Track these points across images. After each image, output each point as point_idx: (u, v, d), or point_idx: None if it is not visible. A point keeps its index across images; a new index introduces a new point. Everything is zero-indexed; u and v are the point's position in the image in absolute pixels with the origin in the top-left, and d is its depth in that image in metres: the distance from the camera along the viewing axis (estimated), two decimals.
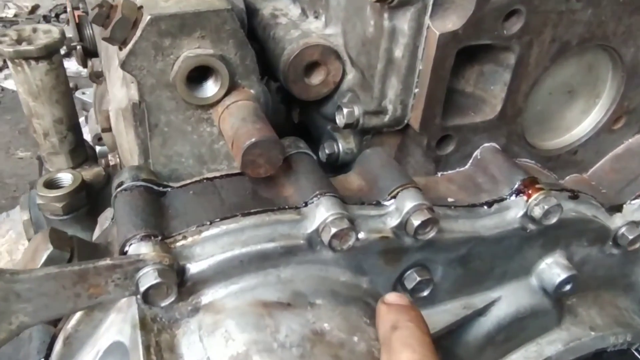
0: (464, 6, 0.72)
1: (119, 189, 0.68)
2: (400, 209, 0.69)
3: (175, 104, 0.72)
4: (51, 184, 0.91)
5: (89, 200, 0.93)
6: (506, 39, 0.76)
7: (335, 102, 0.88)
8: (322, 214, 0.65)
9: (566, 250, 0.86)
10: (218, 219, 0.63)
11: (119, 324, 0.61)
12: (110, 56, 0.88)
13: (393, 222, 0.69)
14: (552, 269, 0.84)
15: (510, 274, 0.84)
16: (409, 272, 0.75)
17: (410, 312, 0.60)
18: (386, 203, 0.71)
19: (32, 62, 0.88)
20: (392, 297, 0.62)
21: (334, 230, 0.63)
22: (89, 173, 0.97)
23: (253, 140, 0.65)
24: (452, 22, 0.73)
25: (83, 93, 1.98)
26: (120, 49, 0.69)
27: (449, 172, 0.87)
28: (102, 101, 1.18)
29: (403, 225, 0.69)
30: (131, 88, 0.74)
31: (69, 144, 0.98)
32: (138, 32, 0.66)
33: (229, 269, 0.62)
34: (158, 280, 0.57)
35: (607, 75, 0.90)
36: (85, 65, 1.17)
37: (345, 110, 0.84)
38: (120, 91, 0.79)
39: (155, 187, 0.69)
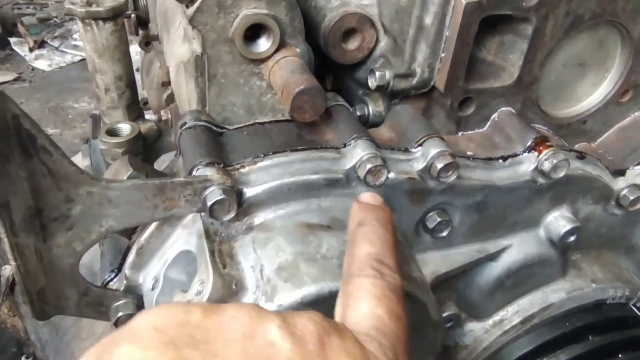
0: None
1: (183, 128, 0.79)
2: (426, 154, 0.80)
3: (232, 58, 0.83)
4: (112, 133, 1.02)
5: (144, 150, 1.05)
6: (525, 10, 0.85)
7: (368, 67, 0.98)
8: (358, 153, 0.76)
9: (572, 206, 0.95)
10: (269, 153, 0.74)
11: (185, 237, 0.72)
12: (170, 19, 0.98)
13: (419, 165, 0.80)
14: (559, 220, 0.93)
15: (521, 224, 0.94)
16: (430, 213, 0.85)
17: (378, 211, 0.64)
18: (413, 150, 0.81)
19: (100, 23, 0.99)
20: (365, 196, 0.66)
21: (369, 166, 0.74)
22: (144, 126, 1.09)
23: (302, 87, 0.76)
24: None
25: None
26: (187, 7, 0.80)
27: (469, 132, 0.96)
28: (150, 67, 1.30)
29: (428, 169, 0.79)
30: (193, 43, 0.85)
31: (126, 99, 1.10)
32: None
33: (278, 195, 0.73)
34: (222, 196, 0.68)
35: (616, 51, 0.99)
36: (137, 34, 1.28)
37: (377, 74, 0.94)
38: (181, 47, 0.89)
39: (214, 128, 0.80)
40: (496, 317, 1.01)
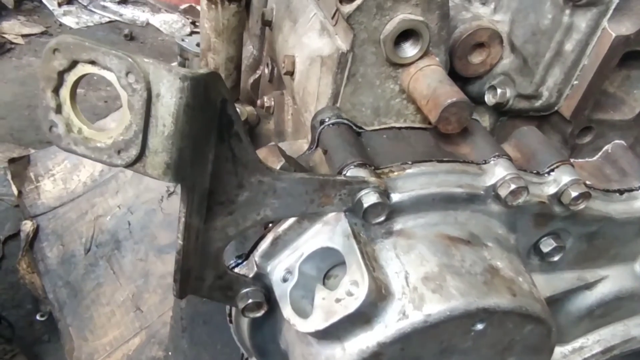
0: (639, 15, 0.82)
1: (325, 123, 0.78)
2: (558, 180, 0.80)
3: (375, 59, 0.83)
4: None
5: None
6: None
7: (484, 82, 0.98)
8: (500, 172, 0.76)
9: None
10: (417, 161, 0.74)
11: (327, 234, 0.72)
12: (298, 8, 0.98)
13: (550, 190, 0.80)
14: None
15: (620, 257, 0.95)
16: (545, 237, 0.86)
17: None
18: (545, 174, 0.81)
19: (226, 2, 0.98)
20: None
21: (513, 187, 0.74)
22: (245, 111, 1.08)
23: (454, 99, 0.76)
24: (626, 27, 0.83)
25: (182, 40, 2.08)
26: (341, 2, 0.80)
27: (579, 160, 0.97)
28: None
29: (558, 195, 0.80)
30: (337, 39, 0.84)
31: (232, 81, 1.09)
32: None
33: (421, 204, 0.74)
34: (378, 200, 0.68)
35: None
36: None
37: (499, 91, 0.94)
38: (318, 40, 0.89)
39: (354, 127, 0.80)
40: (576, 344, 1.03)
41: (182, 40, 2.12)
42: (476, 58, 0.96)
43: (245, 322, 0.82)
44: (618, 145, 0.96)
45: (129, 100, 0.49)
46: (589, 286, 0.95)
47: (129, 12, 5.19)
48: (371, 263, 0.68)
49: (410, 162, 0.74)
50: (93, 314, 2.33)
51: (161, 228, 2.55)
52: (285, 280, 0.74)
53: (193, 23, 4.62)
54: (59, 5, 5.28)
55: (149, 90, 0.49)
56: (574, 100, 0.90)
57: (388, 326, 0.66)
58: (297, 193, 0.66)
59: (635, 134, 0.97)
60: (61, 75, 0.51)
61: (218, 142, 0.57)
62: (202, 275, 0.70)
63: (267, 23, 1.09)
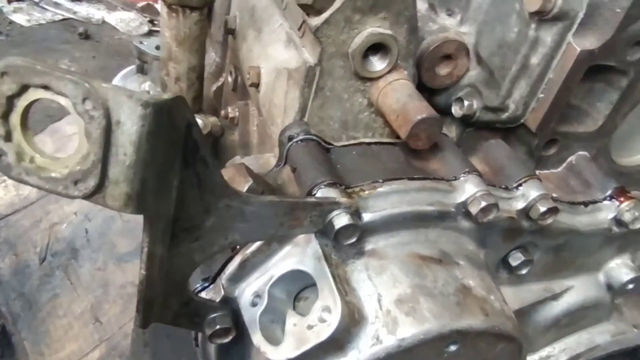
0: (604, 30, 0.83)
1: (294, 140, 0.76)
2: (527, 195, 0.80)
3: (343, 73, 0.81)
4: None
5: (210, 147, 1.01)
6: (627, 63, 0.87)
7: (450, 94, 0.98)
8: (470, 188, 0.75)
9: (632, 255, 0.99)
10: (388, 179, 0.73)
11: (297, 256, 0.70)
12: (262, 18, 0.95)
13: (519, 205, 0.80)
14: (621, 268, 0.97)
15: (585, 267, 0.96)
16: (514, 251, 0.86)
17: None
18: (513, 189, 0.81)
19: (187, 11, 0.95)
20: None
21: (483, 204, 0.74)
22: (208, 122, 1.05)
23: (424, 116, 0.75)
24: (590, 42, 0.84)
25: (141, 43, 2.02)
26: (308, 15, 0.78)
27: (545, 171, 0.98)
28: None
29: (527, 210, 0.80)
30: (304, 52, 0.82)
31: (195, 91, 1.05)
32: (337, 4, 0.75)
33: (392, 223, 0.72)
34: (350, 222, 0.66)
35: None
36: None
37: (466, 103, 0.94)
38: (284, 52, 0.87)
39: (323, 143, 0.78)
40: (543, 353, 1.04)
41: (141, 42, 2.05)
42: (443, 70, 0.96)
43: (212, 348, 0.78)
44: (581, 156, 0.97)
45: (86, 128, 0.46)
46: (555, 297, 0.96)
47: (83, 10, 5.02)
48: (343, 286, 0.66)
49: (381, 180, 0.72)
50: (49, 327, 2.24)
51: (120, 236, 2.47)
52: (254, 304, 0.71)
53: (151, 21, 4.51)
54: (9, 2, 5.06)
55: (108, 118, 0.46)
56: (539, 112, 0.90)
57: (362, 352, 0.64)
58: (266, 216, 0.63)
59: (597, 145, 0.98)
60: (10, 100, 0.47)
61: (183, 168, 0.54)
62: (167, 303, 0.67)
63: (230, 31, 1.06)
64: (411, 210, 0.72)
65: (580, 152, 0.98)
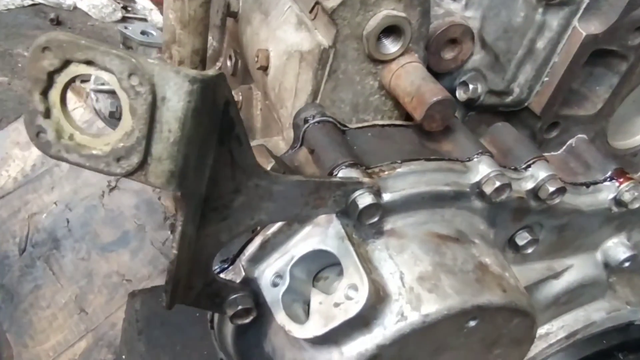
0: (608, 15, 0.85)
1: (311, 122, 0.76)
2: (536, 176, 0.82)
3: (357, 55, 0.82)
4: None
5: None
6: (627, 48, 0.90)
7: (454, 78, 0.99)
8: (484, 169, 0.77)
9: (628, 233, 1.02)
10: (406, 160, 0.74)
11: (318, 236, 0.70)
12: (270, 2, 0.94)
13: (528, 186, 0.82)
14: (618, 247, 1.00)
15: (584, 246, 0.99)
16: (520, 231, 0.88)
17: None
18: (522, 170, 0.83)
19: None
20: None
21: (497, 183, 0.75)
22: None
23: (439, 97, 0.76)
24: (594, 26, 0.86)
25: (126, 28, 1.98)
26: None
27: (546, 154, 1.00)
28: None
29: (536, 190, 0.82)
30: (317, 35, 0.82)
31: None
32: None
33: (410, 203, 0.73)
34: (373, 201, 0.67)
35: None
36: None
37: (470, 86, 0.96)
38: (295, 35, 0.87)
39: (338, 125, 0.78)
40: (542, 330, 1.07)
41: (125, 28, 2.02)
42: (448, 54, 0.97)
43: (229, 328, 0.79)
44: (581, 139, 1.00)
45: (131, 104, 0.46)
46: (556, 275, 0.99)
47: None
48: (367, 265, 0.67)
49: (399, 161, 0.73)
50: (32, 318, 2.20)
51: (103, 225, 2.44)
52: (275, 284, 0.72)
53: (125, 8, 4.41)
54: None
55: (153, 94, 0.45)
56: (544, 96, 0.92)
57: (387, 328, 0.65)
58: (293, 196, 0.64)
59: (596, 128, 1.01)
60: (51, 76, 0.46)
61: (218, 146, 0.54)
62: (191, 283, 0.67)
63: (232, 14, 1.05)
64: (429, 190, 0.73)
65: (580, 135, 1.01)
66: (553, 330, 1.06)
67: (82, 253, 2.34)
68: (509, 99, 0.96)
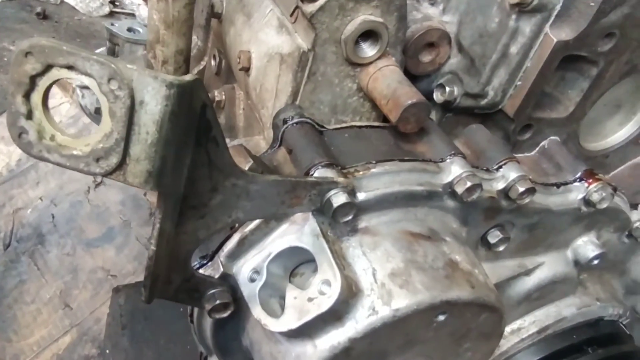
0: (578, 22, 0.88)
1: (290, 122, 0.79)
2: (507, 176, 0.85)
3: (335, 58, 0.84)
4: None
5: None
6: (597, 54, 0.93)
7: (431, 80, 1.02)
8: (456, 170, 0.80)
9: (597, 232, 1.06)
10: (381, 160, 0.76)
11: (295, 233, 0.73)
12: (252, 3, 0.97)
13: (499, 186, 0.85)
14: (587, 245, 1.03)
15: (556, 244, 1.03)
16: (492, 229, 0.91)
17: None
18: (494, 170, 0.86)
19: None
20: None
21: (468, 184, 0.78)
22: None
23: (414, 100, 0.79)
24: (565, 32, 0.89)
25: (112, 24, 1.99)
26: (303, 1, 0.80)
27: (519, 155, 1.04)
28: None
29: (507, 190, 0.85)
30: (297, 38, 0.85)
31: (181, 74, 1.06)
32: None
33: (384, 202, 0.76)
34: (347, 200, 0.70)
35: None
36: None
37: (447, 89, 0.99)
38: (276, 37, 0.89)
39: (316, 126, 0.81)
40: (514, 326, 1.10)
41: (112, 24, 2.02)
42: (426, 57, 1.00)
43: (208, 322, 0.81)
44: (553, 141, 1.03)
45: (110, 107, 0.48)
46: (528, 272, 1.02)
47: None
48: (340, 261, 0.70)
49: (374, 162, 0.76)
50: (16, 313, 2.20)
51: (89, 221, 2.45)
52: (252, 280, 0.74)
53: (112, 2, 4.39)
54: None
55: (132, 98, 0.47)
56: (517, 99, 0.95)
57: (359, 322, 0.68)
58: (269, 195, 0.66)
59: (568, 130, 1.04)
60: (33, 79, 0.48)
61: (195, 147, 0.56)
62: (170, 278, 0.69)
63: (216, 15, 1.07)
64: (402, 190, 0.76)
65: (552, 137, 1.04)
66: (525, 325, 1.10)
67: (67, 248, 2.35)
68: (484, 102, 0.99)
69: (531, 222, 0.94)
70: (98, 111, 1.48)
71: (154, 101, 0.48)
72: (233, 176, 0.62)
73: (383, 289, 0.69)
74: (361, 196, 0.74)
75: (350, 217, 0.72)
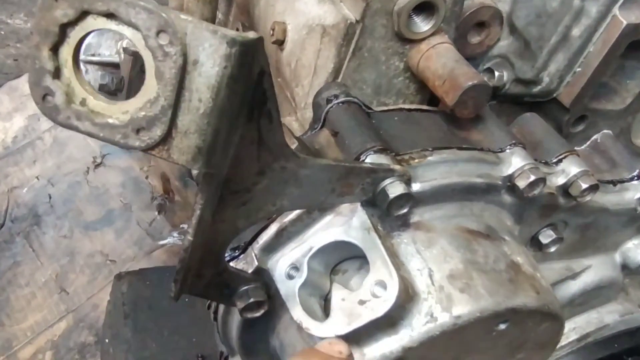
0: None
1: (335, 102, 0.70)
2: (567, 171, 0.77)
3: (385, 32, 0.76)
4: None
5: None
6: None
7: (477, 64, 0.94)
8: (518, 162, 0.72)
9: None
10: (438, 147, 0.68)
11: (341, 226, 0.65)
12: None
13: (559, 181, 0.77)
14: (638, 248, 0.96)
15: (605, 247, 0.95)
16: (545, 229, 0.83)
17: None
18: (553, 164, 0.78)
19: None
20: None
21: (532, 177, 0.70)
22: None
23: (475, 82, 0.70)
24: (636, 15, 0.81)
25: None
26: None
27: None
28: None
29: (567, 186, 0.77)
30: (342, 8, 0.76)
31: None
32: None
33: (440, 194, 0.68)
34: (405, 191, 0.61)
35: None
36: None
37: (496, 74, 0.90)
38: (316, 7, 0.80)
39: (363, 107, 0.72)
40: None
41: None
42: (474, 38, 0.91)
43: (235, 321, 0.73)
44: (606, 135, 0.95)
45: (158, 66, 0.39)
46: (574, 276, 0.95)
47: None
48: (395, 260, 0.61)
49: (430, 149, 0.68)
50: (10, 296, 2.11)
51: (87, 202, 2.35)
52: (290, 277, 0.66)
53: None
54: None
55: (184, 56, 0.39)
56: (575, 87, 0.87)
57: (414, 329, 0.60)
58: (320, 181, 0.58)
59: (622, 124, 0.97)
60: (64, 29, 0.39)
61: (246, 122, 0.48)
62: (200, 272, 0.61)
63: None
64: (461, 182, 0.68)
65: (605, 131, 0.96)
66: (565, 332, 1.02)
67: (64, 230, 2.26)
68: (536, 89, 0.91)
69: (585, 222, 0.86)
70: (102, 88, 1.39)
71: (210, 61, 0.39)
72: (283, 158, 0.53)
73: (442, 293, 0.61)
74: (416, 187, 0.66)
75: (405, 210, 0.63)
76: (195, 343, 1.43)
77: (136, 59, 1.08)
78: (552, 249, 0.85)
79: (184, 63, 0.39)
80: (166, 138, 0.41)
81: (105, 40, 1.56)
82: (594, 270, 0.96)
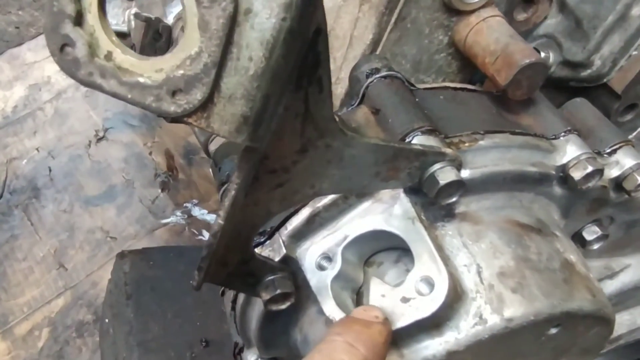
0: None
1: (376, 76, 0.63)
2: (622, 163, 0.71)
3: (432, 1, 0.69)
4: None
5: None
6: None
7: None
8: (573, 150, 0.65)
9: None
10: (489, 131, 0.62)
11: (381, 214, 0.58)
12: None
13: (612, 173, 0.71)
14: None
15: None
16: (590, 225, 0.77)
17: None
18: (606, 154, 0.72)
19: None
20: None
21: (590, 169, 0.64)
22: None
23: (532, 60, 0.64)
24: None
25: None
26: None
27: None
28: None
29: (620, 179, 0.71)
30: None
31: None
32: None
33: (489, 183, 0.61)
34: (457, 178, 0.55)
35: None
36: None
37: (542, 54, 0.83)
38: None
39: (406, 83, 0.66)
40: None
41: None
42: (521, 14, 0.84)
43: (256, 313, 0.67)
44: None
45: (202, 15, 0.32)
46: (612, 275, 0.89)
47: None
48: (442, 254, 0.55)
49: (482, 132, 0.61)
50: (7, 270, 2.05)
51: (89, 177, 2.29)
52: (322, 267, 0.59)
53: None
54: None
55: (235, 3, 0.32)
56: (629, 72, 0.80)
57: (461, 332, 0.54)
58: (365, 163, 0.51)
59: None
60: None
61: (293, 90, 0.41)
62: (225, 259, 0.54)
63: None
64: (513, 170, 0.62)
65: None
66: None
67: (64, 205, 2.19)
68: (585, 73, 0.84)
69: (632, 218, 0.80)
70: None
71: (266, 11, 0.32)
72: (329, 135, 0.47)
73: (491, 292, 0.55)
74: (465, 173, 0.59)
75: (454, 199, 0.57)
76: (199, 327, 1.38)
77: (149, 25, 1.00)
78: (596, 247, 0.79)
79: (235, 12, 0.32)
80: (206, 103, 0.34)
81: (112, 9, 1.48)
82: (633, 269, 0.90)
